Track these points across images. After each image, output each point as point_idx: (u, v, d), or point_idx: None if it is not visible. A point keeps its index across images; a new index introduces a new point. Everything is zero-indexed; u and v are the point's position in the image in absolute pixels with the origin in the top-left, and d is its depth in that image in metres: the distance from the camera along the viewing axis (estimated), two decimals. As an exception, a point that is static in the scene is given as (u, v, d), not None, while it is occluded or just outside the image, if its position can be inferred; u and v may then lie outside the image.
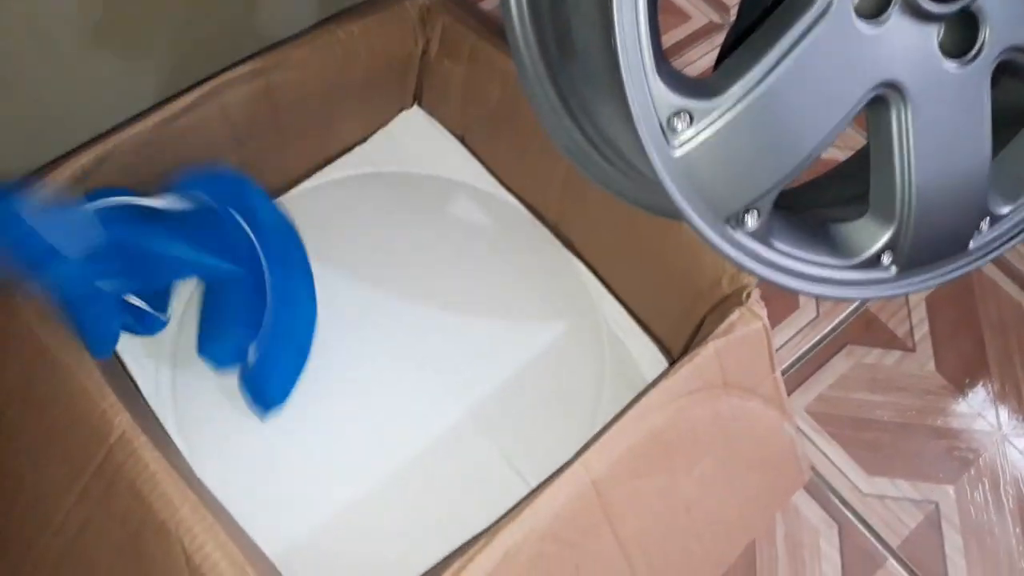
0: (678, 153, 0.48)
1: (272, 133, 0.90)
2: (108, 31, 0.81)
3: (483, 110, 0.92)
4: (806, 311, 1.06)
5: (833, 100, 0.51)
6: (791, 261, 0.56)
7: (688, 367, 0.68)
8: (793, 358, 1.02)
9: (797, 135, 0.51)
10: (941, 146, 0.55)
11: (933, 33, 0.53)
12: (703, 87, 0.49)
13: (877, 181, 0.58)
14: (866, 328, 1.06)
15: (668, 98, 0.47)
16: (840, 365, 1.02)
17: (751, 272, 0.55)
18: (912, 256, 0.59)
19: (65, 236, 0.67)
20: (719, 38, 1.33)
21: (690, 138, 0.48)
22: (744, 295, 0.74)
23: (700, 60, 1.31)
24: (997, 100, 0.60)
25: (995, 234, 0.63)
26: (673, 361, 0.84)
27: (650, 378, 0.83)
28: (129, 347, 0.79)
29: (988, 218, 0.62)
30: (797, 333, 1.05)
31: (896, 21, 0.51)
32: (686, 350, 0.75)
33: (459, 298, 0.87)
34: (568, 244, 0.93)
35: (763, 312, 0.73)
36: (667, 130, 0.47)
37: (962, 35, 0.55)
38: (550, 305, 0.88)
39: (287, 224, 0.80)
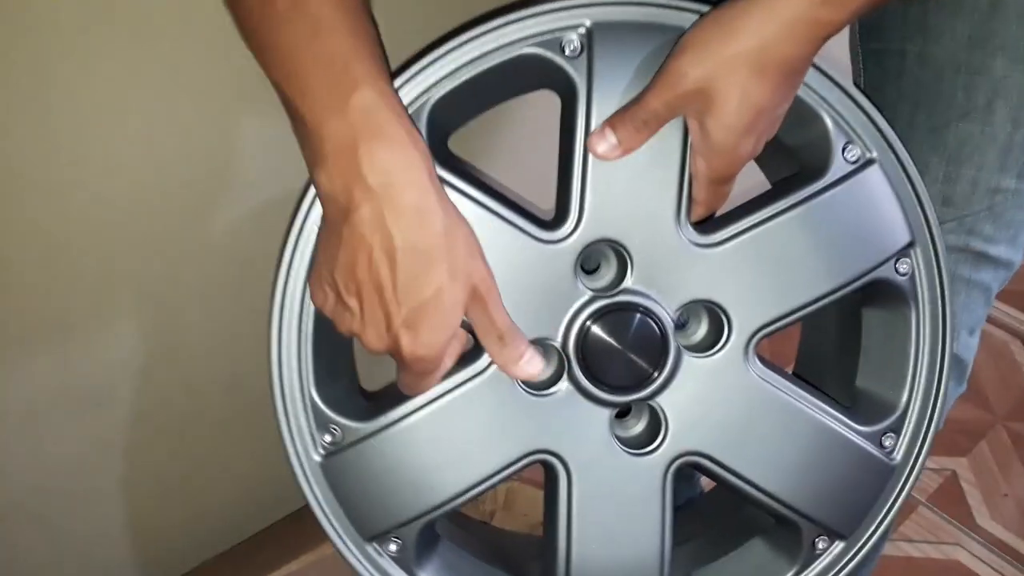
0: (318, 458, 0.53)
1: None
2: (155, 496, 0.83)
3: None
4: None
5: (479, 455, 0.52)
6: None
7: None
8: None
9: (437, 478, 0.52)
10: (605, 528, 0.53)
11: (605, 416, 0.52)
12: (357, 410, 0.53)
13: (543, 544, 0.55)
14: None
15: (322, 410, 0.52)
16: None
17: None
18: None
19: None
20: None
21: (335, 449, 0.52)
22: None
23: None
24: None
25: None
26: None
27: None
28: None
29: None
30: None
31: (564, 397, 0.52)
32: None
33: None
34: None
35: None
36: (316, 435, 0.53)
37: (644, 428, 0.54)
38: None
39: None
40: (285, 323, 0.51)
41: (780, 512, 0.54)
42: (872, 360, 0.57)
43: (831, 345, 0.61)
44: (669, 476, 0.53)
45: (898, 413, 0.55)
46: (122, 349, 0.74)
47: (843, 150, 0.53)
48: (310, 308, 0.51)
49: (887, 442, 0.55)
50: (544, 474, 0.54)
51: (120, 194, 0.68)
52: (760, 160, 0.59)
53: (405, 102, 0.48)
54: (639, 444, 0.53)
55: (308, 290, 0.50)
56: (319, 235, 0.49)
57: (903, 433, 0.55)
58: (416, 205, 0.44)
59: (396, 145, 0.43)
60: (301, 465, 0.52)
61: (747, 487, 0.53)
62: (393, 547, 0.53)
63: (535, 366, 0.50)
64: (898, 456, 0.55)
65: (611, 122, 0.49)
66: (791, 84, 0.48)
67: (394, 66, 0.49)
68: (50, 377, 0.71)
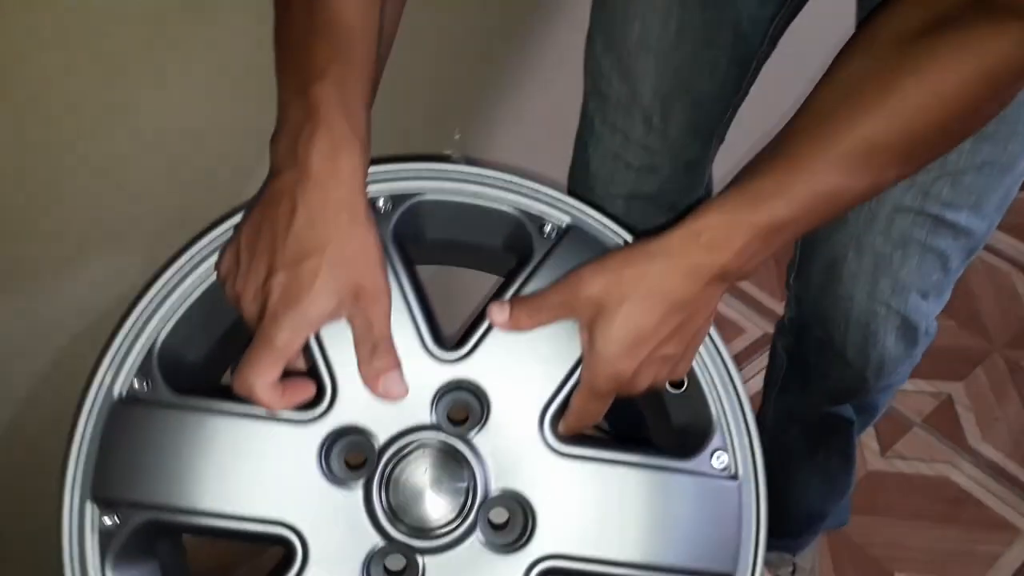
0: (120, 393, 0.52)
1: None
2: None
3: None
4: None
5: (238, 490, 0.51)
6: None
7: None
8: None
9: (190, 482, 0.51)
10: None
11: (368, 541, 0.51)
12: (180, 378, 0.53)
13: None
14: None
15: (160, 353, 0.53)
16: None
17: None
18: None
19: None
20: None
21: (136, 399, 0.52)
22: None
23: (758, 376, 1.29)
24: None
25: None
26: None
27: None
28: None
29: None
30: None
31: (346, 497, 0.51)
32: None
33: None
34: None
35: None
36: (135, 377, 0.52)
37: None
38: None
39: None
40: (189, 267, 0.53)
41: None
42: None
43: None
44: None
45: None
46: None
47: (713, 452, 0.55)
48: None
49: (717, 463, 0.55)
50: (283, 554, 0.52)
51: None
52: (650, 424, 0.63)
53: (402, 187, 0.55)
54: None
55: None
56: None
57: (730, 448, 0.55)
58: (328, 189, 0.48)
59: (333, 136, 0.48)
60: (95, 394, 0.52)
61: (610, 568, 0.52)
62: (108, 520, 0.51)
63: (396, 388, 0.51)
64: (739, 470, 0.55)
65: (513, 300, 0.53)
66: (679, 320, 0.51)
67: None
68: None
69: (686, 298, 0.50)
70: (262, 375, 0.47)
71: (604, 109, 0.74)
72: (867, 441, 1.22)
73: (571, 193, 0.58)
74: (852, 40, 0.50)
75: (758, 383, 0.97)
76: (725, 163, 0.84)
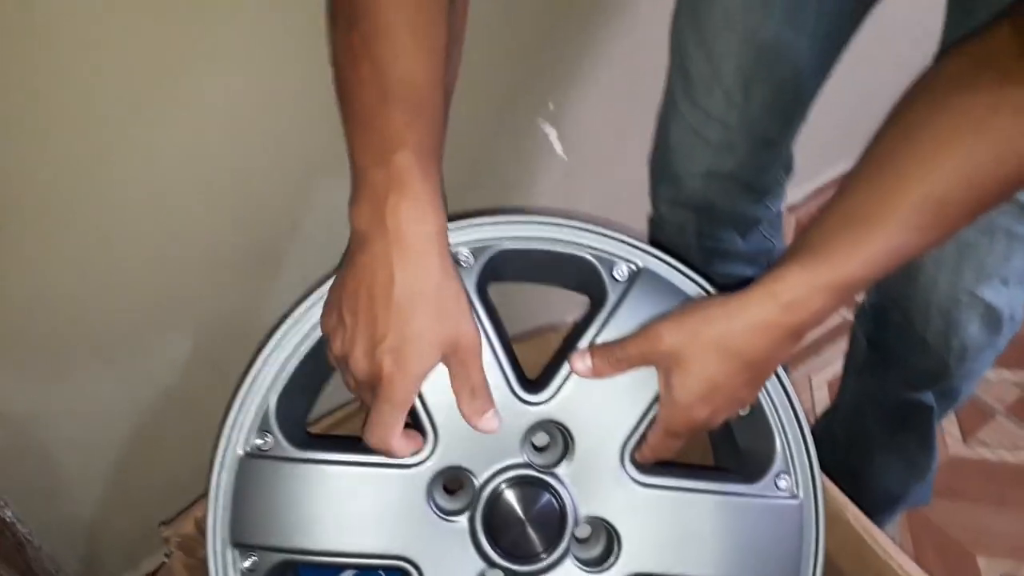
0: (241, 452, 0.57)
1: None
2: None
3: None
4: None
5: (359, 532, 0.56)
6: None
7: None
8: None
9: (317, 527, 0.56)
10: None
11: (476, 567, 0.57)
12: (295, 433, 0.58)
13: None
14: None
15: (269, 417, 0.57)
16: None
17: None
18: None
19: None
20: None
21: (259, 455, 0.57)
22: None
23: (838, 361, 1.30)
24: None
25: None
26: None
27: None
28: None
29: None
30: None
31: (456, 531, 0.57)
32: None
33: None
34: None
35: None
36: (251, 434, 0.57)
37: None
38: None
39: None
40: (295, 329, 0.57)
41: None
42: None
43: None
44: None
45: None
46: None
47: (777, 475, 0.59)
48: (317, 331, 0.57)
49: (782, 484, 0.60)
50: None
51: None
52: (714, 442, 0.66)
53: (481, 237, 0.58)
54: None
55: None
56: (340, 266, 0.56)
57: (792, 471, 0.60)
58: (420, 253, 0.51)
59: (418, 201, 0.51)
60: (224, 451, 0.57)
61: None
62: (248, 563, 0.57)
63: (493, 424, 0.56)
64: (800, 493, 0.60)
65: (594, 350, 0.57)
66: (753, 373, 0.54)
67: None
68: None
69: (761, 355, 0.53)
70: (392, 430, 0.54)
71: (686, 86, 0.77)
72: (948, 427, 1.22)
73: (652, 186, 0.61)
74: (913, 87, 0.52)
75: (838, 368, 0.99)
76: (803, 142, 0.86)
